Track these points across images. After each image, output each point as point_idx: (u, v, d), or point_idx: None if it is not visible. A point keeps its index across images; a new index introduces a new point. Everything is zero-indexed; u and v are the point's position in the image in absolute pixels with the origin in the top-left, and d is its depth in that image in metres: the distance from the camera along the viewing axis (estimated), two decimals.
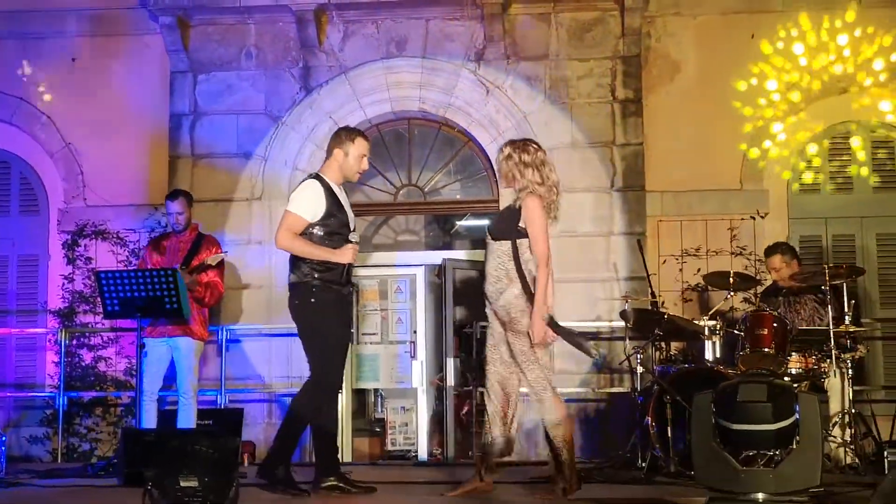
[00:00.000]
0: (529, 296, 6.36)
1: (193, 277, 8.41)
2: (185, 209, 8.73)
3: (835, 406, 8.35)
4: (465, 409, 11.15)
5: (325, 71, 10.98)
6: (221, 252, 8.73)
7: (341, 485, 6.69)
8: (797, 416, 4.58)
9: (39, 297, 11.28)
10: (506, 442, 6.50)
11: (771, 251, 9.23)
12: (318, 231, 6.74)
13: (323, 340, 6.71)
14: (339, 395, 7.26)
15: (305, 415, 6.72)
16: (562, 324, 6.55)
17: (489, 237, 6.60)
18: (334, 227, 6.78)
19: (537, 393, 6.39)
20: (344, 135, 6.98)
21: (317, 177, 6.88)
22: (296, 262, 6.78)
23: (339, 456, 7.04)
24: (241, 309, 10.74)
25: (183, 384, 8.52)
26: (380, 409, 12.18)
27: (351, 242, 6.78)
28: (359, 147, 6.93)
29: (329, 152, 6.97)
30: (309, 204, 6.75)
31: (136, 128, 11.27)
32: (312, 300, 6.68)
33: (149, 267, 8.52)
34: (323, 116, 10.95)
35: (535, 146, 6.64)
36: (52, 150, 11.43)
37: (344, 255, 6.74)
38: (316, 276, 6.69)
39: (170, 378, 8.66)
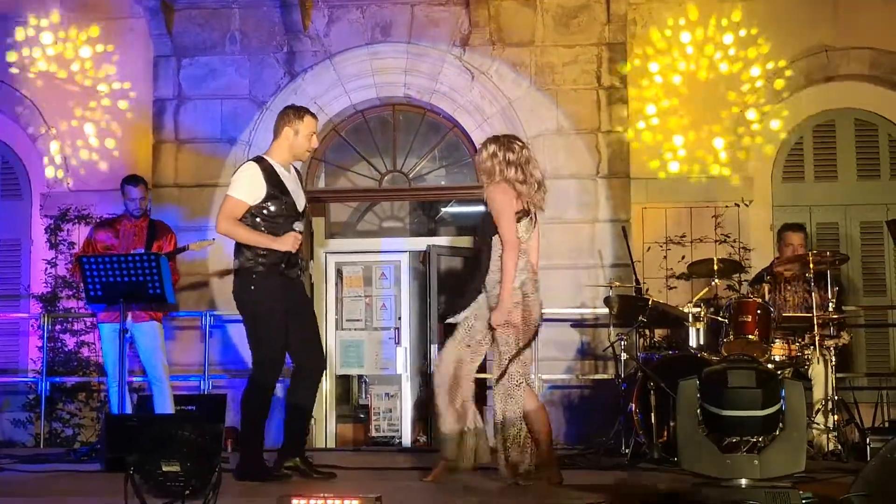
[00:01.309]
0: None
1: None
2: (145, 194, 8.80)
3: (818, 393, 8.37)
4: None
5: (310, 56, 10.94)
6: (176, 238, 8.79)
7: (303, 467, 6.63)
8: (783, 402, 4.59)
9: (22, 282, 11.24)
10: (460, 431, 6.48)
11: (796, 228, 9.20)
12: (258, 215, 6.63)
13: (264, 328, 6.62)
14: (321, 379, 7.18)
15: (255, 404, 6.64)
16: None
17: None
18: (277, 211, 6.65)
19: (509, 389, 6.34)
20: (292, 113, 6.87)
21: (258, 159, 6.79)
22: (238, 247, 6.71)
23: (315, 441, 6.99)
24: (224, 295, 10.70)
25: (155, 369, 8.48)
26: (364, 396, 12.20)
27: (294, 230, 6.67)
28: (308, 125, 6.83)
29: (277, 132, 6.86)
30: (246, 187, 6.63)
31: (120, 112, 11.23)
32: (252, 287, 6.61)
33: (97, 250, 8.49)
34: (307, 102, 10.86)
35: (519, 144, 6.55)
36: (35, 135, 11.37)
37: (284, 243, 6.61)
38: (260, 260, 6.61)
39: (136, 364, 8.64)
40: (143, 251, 8.30)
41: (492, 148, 6.52)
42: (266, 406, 6.72)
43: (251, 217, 6.63)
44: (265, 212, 6.63)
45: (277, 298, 6.64)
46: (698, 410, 4.45)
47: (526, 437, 6.31)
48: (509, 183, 6.39)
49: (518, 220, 6.37)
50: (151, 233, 8.68)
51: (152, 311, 8.50)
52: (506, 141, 6.58)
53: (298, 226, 6.72)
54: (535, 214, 6.51)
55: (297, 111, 6.91)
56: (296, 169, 7.09)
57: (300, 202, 6.84)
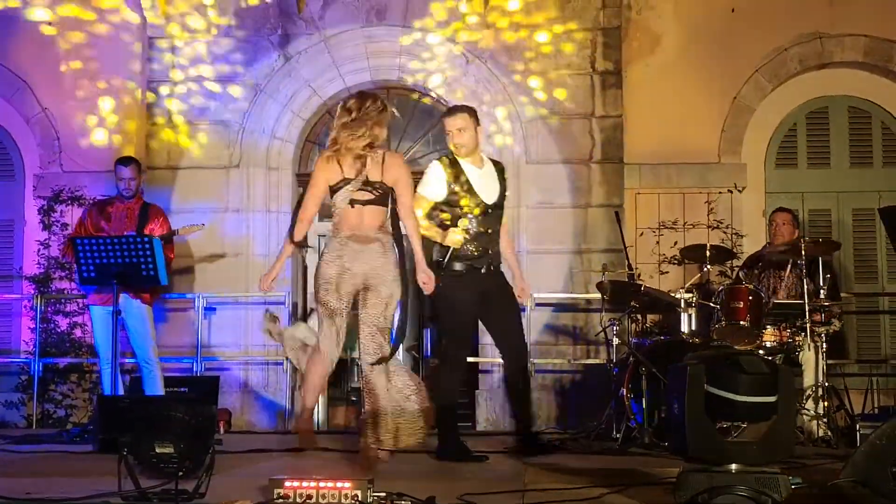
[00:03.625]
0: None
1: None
2: (137, 175, 8.75)
3: (808, 379, 8.41)
4: None
5: (305, 38, 10.92)
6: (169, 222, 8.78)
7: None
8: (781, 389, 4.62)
9: (15, 263, 11.23)
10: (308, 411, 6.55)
11: (782, 210, 9.35)
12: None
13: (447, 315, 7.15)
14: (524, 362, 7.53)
15: (444, 392, 6.94)
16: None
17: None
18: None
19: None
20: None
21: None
22: None
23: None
24: (217, 277, 10.71)
25: (145, 352, 8.47)
26: (356, 379, 12.19)
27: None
28: (446, 126, 7.26)
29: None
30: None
31: (114, 93, 11.20)
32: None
33: (90, 231, 8.49)
34: (302, 84, 10.91)
35: (351, 103, 6.35)
36: (29, 115, 11.35)
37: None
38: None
39: (126, 346, 8.65)
40: (134, 233, 8.30)
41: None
42: (453, 393, 7.10)
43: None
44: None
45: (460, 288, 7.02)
46: (705, 395, 4.45)
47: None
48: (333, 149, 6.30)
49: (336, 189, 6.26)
50: (143, 215, 8.63)
51: (141, 293, 8.48)
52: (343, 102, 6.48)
53: (462, 222, 6.98)
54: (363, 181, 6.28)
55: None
56: (494, 162, 7.42)
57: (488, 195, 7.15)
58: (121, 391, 8.39)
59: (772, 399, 4.48)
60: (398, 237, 6.28)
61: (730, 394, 4.41)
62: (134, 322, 8.47)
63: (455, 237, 6.95)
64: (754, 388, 4.46)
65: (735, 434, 4.99)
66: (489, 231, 7.06)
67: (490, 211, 7.08)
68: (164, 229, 8.61)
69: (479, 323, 7.51)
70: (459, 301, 7.00)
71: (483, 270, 7.06)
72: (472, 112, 7.24)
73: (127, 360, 9.14)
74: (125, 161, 8.81)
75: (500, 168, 7.34)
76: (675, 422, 4.67)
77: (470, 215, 6.98)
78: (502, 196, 7.21)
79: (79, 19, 11.29)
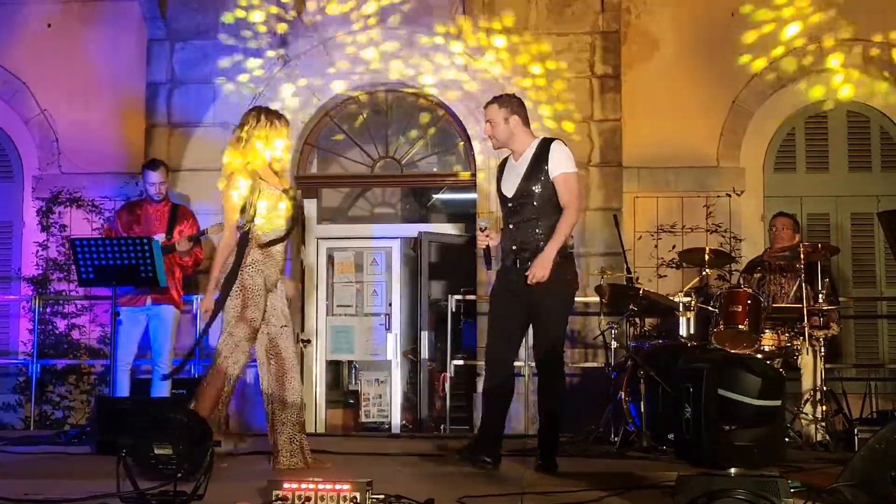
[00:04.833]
0: None
1: (192, 246, 8.53)
2: (165, 179, 8.86)
3: (807, 383, 8.41)
4: (440, 381, 11.19)
5: (304, 41, 10.92)
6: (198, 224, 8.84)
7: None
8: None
9: (13, 264, 11.22)
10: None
11: (782, 214, 9.37)
12: None
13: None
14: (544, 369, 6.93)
15: (485, 388, 6.81)
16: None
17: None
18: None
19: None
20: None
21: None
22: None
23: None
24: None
25: (162, 354, 8.55)
26: (354, 381, 12.22)
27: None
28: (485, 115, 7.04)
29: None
30: None
31: (113, 95, 11.20)
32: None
33: (120, 233, 8.55)
34: (300, 87, 10.90)
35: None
36: (27, 117, 11.35)
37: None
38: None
39: (143, 347, 8.67)
40: (131, 237, 8.33)
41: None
42: (488, 392, 6.81)
43: None
44: None
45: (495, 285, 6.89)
46: (719, 400, 4.43)
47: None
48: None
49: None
50: (173, 217, 8.80)
51: (172, 297, 8.58)
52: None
53: (482, 222, 6.93)
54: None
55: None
56: (539, 150, 6.83)
57: (508, 189, 6.86)
58: (127, 393, 8.43)
59: (778, 403, 4.50)
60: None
61: (743, 397, 4.41)
62: (159, 324, 8.53)
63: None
64: (766, 392, 4.47)
65: (741, 439, 5.01)
66: (510, 226, 6.80)
67: (511, 205, 6.79)
68: (193, 230, 8.73)
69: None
70: (492, 297, 6.94)
71: (508, 264, 6.80)
72: (502, 102, 6.91)
73: (136, 363, 9.16)
74: (153, 165, 8.89)
75: (537, 152, 6.77)
76: (685, 426, 4.66)
77: (482, 222, 6.98)
78: (523, 188, 6.72)
79: (78, 20, 11.29)
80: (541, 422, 6.86)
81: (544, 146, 6.79)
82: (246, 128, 6.56)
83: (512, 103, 6.89)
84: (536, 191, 6.69)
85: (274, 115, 6.64)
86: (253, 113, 6.65)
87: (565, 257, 6.70)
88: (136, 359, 8.68)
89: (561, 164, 6.69)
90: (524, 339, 7.21)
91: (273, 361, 6.54)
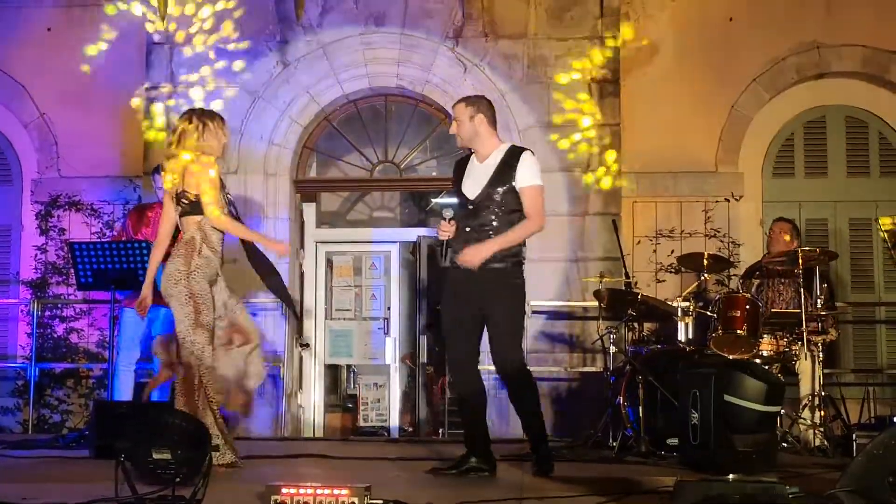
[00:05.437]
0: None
1: None
2: None
3: (805, 389, 8.41)
4: (438, 386, 11.19)
5: (303, 45, 10.92)
6: None
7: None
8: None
9: (12, 268, 11.23)
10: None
11: (781, 220, 9.37)
12: None
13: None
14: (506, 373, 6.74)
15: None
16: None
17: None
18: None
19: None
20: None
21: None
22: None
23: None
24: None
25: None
26: (352, 385, 12.22)
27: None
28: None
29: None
30: None
31: (112, 99, 11.19)
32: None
33: (131, 236, 8.54)
34: (300, 91, 10.90)
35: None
36: (26, 121, 11.36)
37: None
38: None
39: (145, 351, 8.66)
40: (129, 241, 8.32)
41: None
42: (460, 397, 6.86)
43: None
44: None
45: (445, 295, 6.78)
46: (725, 405, 4.42)
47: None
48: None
49: None
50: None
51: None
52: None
53: (448, 212, 6.62)
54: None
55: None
56: (507, 157, 6.67)
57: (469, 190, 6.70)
58: (129, 395, 8.41)
59: (779, 409, 4.50)
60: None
61: (749, 402, 4.40)
62: (160, 326, 8.51)
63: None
64: (769, 398, 4.46)
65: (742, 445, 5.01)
66: (466, 228, 6.58)
67: (471, 207, 6.59)
68: None
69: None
70: (443, 304, 6.80)
71: (461, 267, 6.56)
72: (469, 101, 6.79)
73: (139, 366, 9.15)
74: (160, 169, 8.86)
75: (505, 158, 6.63)
76: (692, 432, 4.64)
77: (448, 212, 6.62)
78: (487, 193, 6.56)
79: (78, 24, 11.30)
80: (524, 430, 6.83)
81: (513, 154, 6.67)
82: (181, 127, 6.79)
83: (480, 103, 6.77)
84: (499, 199, 6.57)
85: (207, 116, 6.84)
86: (185, 115, 6.89)
87: (516, 264, 6.62)
88: (138, 361, 8.68)
89: (530, 176, 6.59)
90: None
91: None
